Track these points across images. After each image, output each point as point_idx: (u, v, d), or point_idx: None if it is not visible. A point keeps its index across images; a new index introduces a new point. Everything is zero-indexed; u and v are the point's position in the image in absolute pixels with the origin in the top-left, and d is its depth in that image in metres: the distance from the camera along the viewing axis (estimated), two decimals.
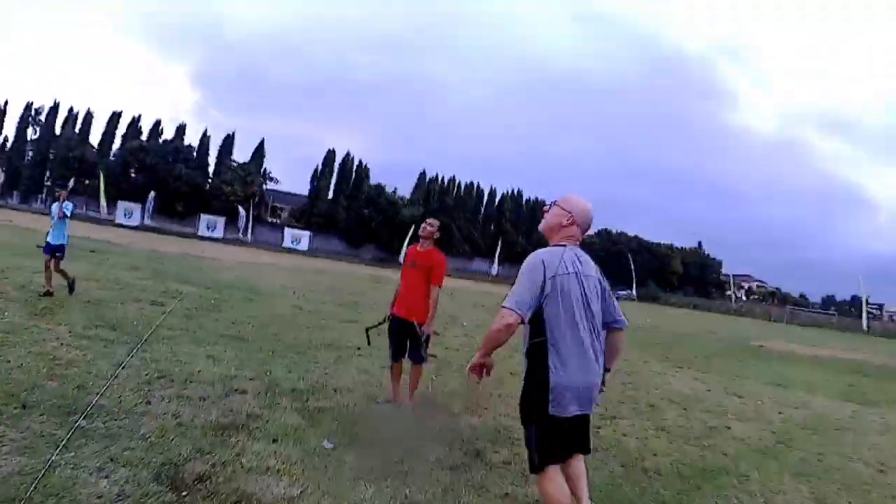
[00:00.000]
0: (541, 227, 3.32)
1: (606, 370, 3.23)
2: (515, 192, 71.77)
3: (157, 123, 64.87)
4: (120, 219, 51.91)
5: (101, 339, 7.13)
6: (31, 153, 63.23)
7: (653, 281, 61.41)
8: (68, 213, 10.13)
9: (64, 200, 10.14)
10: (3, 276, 10.85)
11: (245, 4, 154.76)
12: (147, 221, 53.50)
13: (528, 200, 70.96)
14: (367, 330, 6.26)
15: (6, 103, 64.13)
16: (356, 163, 67.15)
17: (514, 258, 58.75)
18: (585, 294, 3.05)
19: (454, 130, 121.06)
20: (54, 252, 9.78)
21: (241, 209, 56.93)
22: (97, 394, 5.00)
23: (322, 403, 5.77)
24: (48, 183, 60.33)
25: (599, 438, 5.77)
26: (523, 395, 3.14)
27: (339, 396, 6.14)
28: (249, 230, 57.47)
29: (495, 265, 60.59)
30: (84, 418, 4.42)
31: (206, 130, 65.77)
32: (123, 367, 5.95)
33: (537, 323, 2.99)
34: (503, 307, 2.93)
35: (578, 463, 3.22)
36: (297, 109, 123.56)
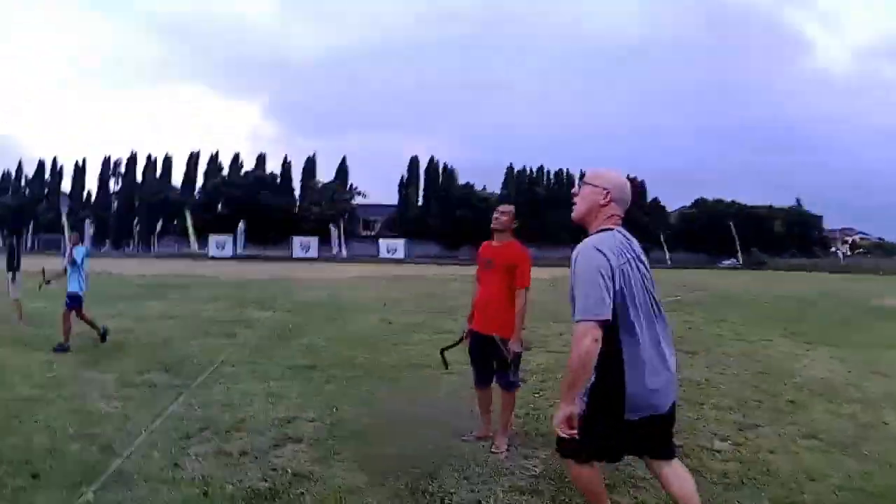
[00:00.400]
0: (574, 214, 2.97)
1: None
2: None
3: (237, 157, 69.36)
4: (213, 252, 54.55)
5: (150, 386, 6.68)
6: (116, 203, 68.20)
7: (755, 247, 58.39)
8: (79, 260, 9.20)
9: (76, 244, 9.45)
10: None
11: (305, 34, 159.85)
12: (240, 251, 56.09)
13: None
14: (442, 352, 5.25)
15: (84, 161, 70.80)
16: (441, 166, 68.51)
17: None
18: (646, 280, 2.81)
19: (534, 120, 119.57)
20: (71, 304, 9.07)
21: (332, 227, 58.72)
22: (119, 457, 4.35)
23: (393, 448, 4.88)
24: (137, 227, 64.86)
25: (741, 463, 4.64)
26: (591, 400, 2.73)
27: (418, 434, 5.18)
28: (343, 246, 59.03)
29: None
30: (96, 490, 3.85)
31: (286, 157, 69.37)
32: (160, 420, 5.38)
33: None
34: (578, 322, 2.58)
35: (678, 475, 2.88)
36: (373, 124, 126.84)
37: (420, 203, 67.69)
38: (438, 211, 64.39)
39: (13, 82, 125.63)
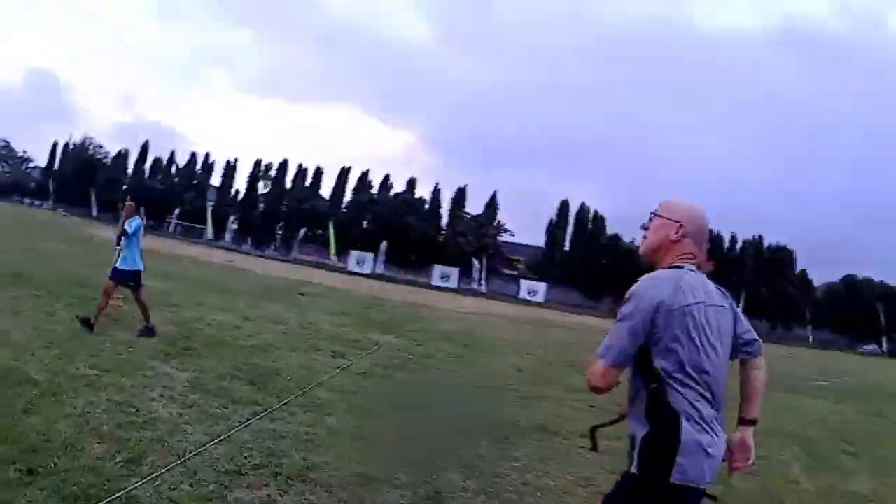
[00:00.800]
0: (643, 249, 2.68)
1: (748, 422, 2.60)
2: (755, 238, 67.04)
3: (387, 177, 71.15)
4: (352, 266, 56.28)
5: (225, 397, 5.86)
6: (262, 206, 71.95)
7: None
8: (130, 231, 8.17)
9: (130, 216, 8.35)
10: (171, 309, 10.24)
11: (466, 65, 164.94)
12: (379, 270, 57.48)
13: (769, 247, 65.90)
14: (592, 431, 3.87)
15: (236, 160, 75.56)
16: (591, 213, 67.63)
17: (758, 313, 54.57)
18: (714, 331, 2.39)
19: (686, 176, 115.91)
20: (126, 281, 8.23)
21: (474, 260, 59.70)
22: (141, 477, 3.40)
23: None
24: (279, 232, 68.72)
25: None
26: (646, 459, 2.33)
27: None
28: (483, 280, 59.57)
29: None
30: None
31: (437, 184, 70.45)
32: (215, 443, 4.46)
33: (649, 373, 2.36)
34: (599, 359, 2.36)
35: None
36: (526, 163, 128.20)
37: (566, 248, 67.18)
38: (584, 258, 63.50)
39: (181, 78, 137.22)
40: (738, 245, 66.53)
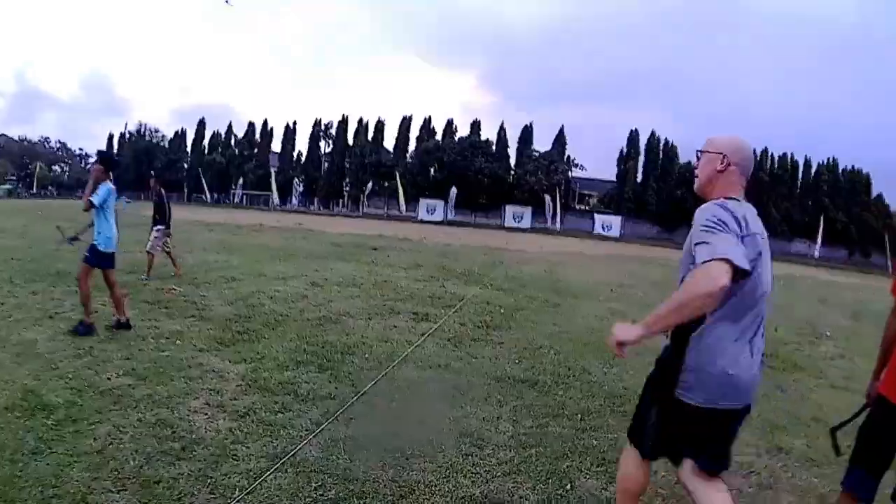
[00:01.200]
0: (696, 187, 2.78)
1: None
2: (831, 161, 63.86)
3: (450, 122, 69.70)
4: (423, 215, 56.25)
5: (287, 393, 4.68)
6: (326, 164, 72.00)
7: None
8: (97, 202, 6.23)
9: (100, 182, 6.36)
10: (230, 285, 9.32)
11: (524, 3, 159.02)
12: (450, 216, 57.05)
13: (844, 170, 63.00)
14: (833, 432, 2.71)
15: (294, 123, 74.82)
16: (662, 142, 65.09)
17: (835, 237, 54.65)
18: (766, 262, 2.53)
19: (760, 97, 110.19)
20: (95, 262, 6.32)
21: (546, 198, 58.00)
22: None
23: None
24: (347, 189, 68.73)
25: None
26: (659, 373, 2.65)
27: None
28: (558, 218, 57.93)
29: (818, 246, 53.73)
30: None
31: (502, 123, 68.53)
32: (271, 473, 3.25)
33: None
34: (710, 261, 2.23)
35: (714, 488, 2.58)
36: (591, 97, 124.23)
37: (639, 179, 64.93)
38: (657, 189, 61.78)
39: (231, 52, 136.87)
40: (813, 169, 63.85)
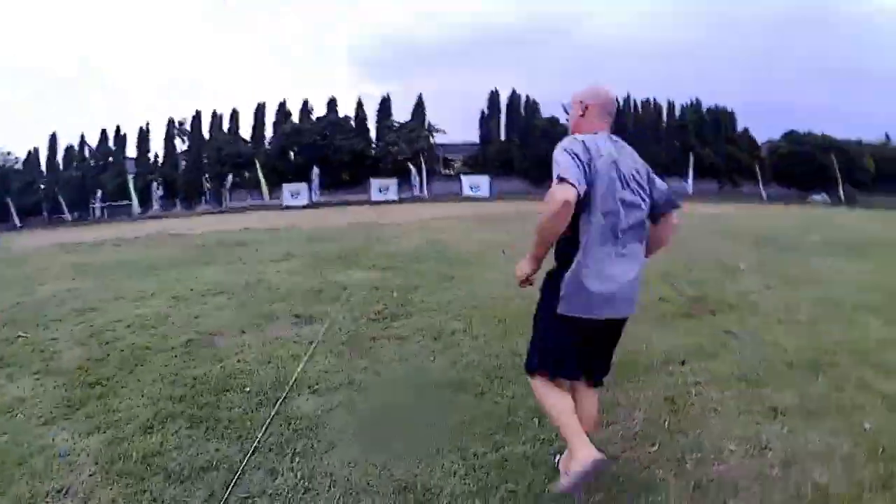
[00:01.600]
0: (569, 133, 3.02)
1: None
2: (694, 101, 66.29)
3: (305, 103, 66.25)
4: (287, 201, 53.16)
5: (161, 472, 3.48)
6: (184, 163, 67.15)
7: (846, 183, 54.23)
8: None
9: None
10: (82, 319, 7.80)
11: None
12: (315, 198, 54.47)
13: (709, 109, 65.67)
14: None
15: (147, 125, 68.80)
16: (524, 99, 64.75)
17: (704, 172, 56.79)
18: (624, 181, 2.80)
19: (615, 49, 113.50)
20: None
21: (411, 166, 56.53)
22: None
23: None
24: (207, 184, 63.99)
25: None
26: (541, 290, 2.98)
27: None
28: (424, 185, 56.66)
29: (690, 182, 55.64)
30: None
31: (359, 98, 65.87)
32: None
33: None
34: (554, 183, 2.63)
35: (589, 399, 3.10)
36: (446, 63, 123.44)
37: (502, 138, 64.51)
38: (521, 145, 61.53)
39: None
40: (678, 111, 65.29)
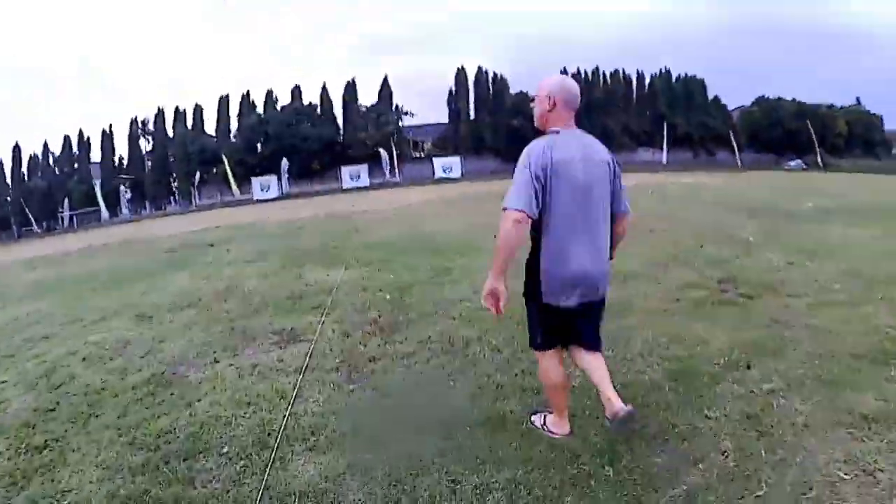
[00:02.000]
0: (535, 124, 3.20)
1: (610, 258, 3.21)
2: (663, 71, 65.00)
3: (270, 93, 64.01)
4: (258, 195, 51.59)
5: None
6: (150, 163, 64.60)
7: (819, 147, 54.00)
8: None
9: None
10: (36, 349, 6.65)
11: None
12: (286, 190, 52.96)
13: (678, 77, 64.33)
14: None
15: (111, 127, 66.25)
16: (491, 76, 62.90)
17: (677, 142, 56.00)
18: (585, 179, 2.97)
19: (584, 20, 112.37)
20: None
21: (381, 151, 54.93)
22: None
23: None
24: (175, 183, 61.76)
25: None
26: (525, 282, 3.18)
27: None
28: (396, 170, 55.24)
29: (664, 153, 54.88)
30: None
31: (324, 84, 63.81)
32: None
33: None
34: (504, 208, 2.87)
35: (592, 358, 3.23)
36: (410, 48, 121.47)
37: (472, 117, 62.81)
38: (492, 123, 59.97)
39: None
40: (647, 81, 64.09)
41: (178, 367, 5.16)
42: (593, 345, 3.24)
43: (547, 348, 3.19)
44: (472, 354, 4.69)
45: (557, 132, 3.01)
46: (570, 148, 2.96)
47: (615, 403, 3.01)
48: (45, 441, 4.01)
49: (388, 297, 6.79)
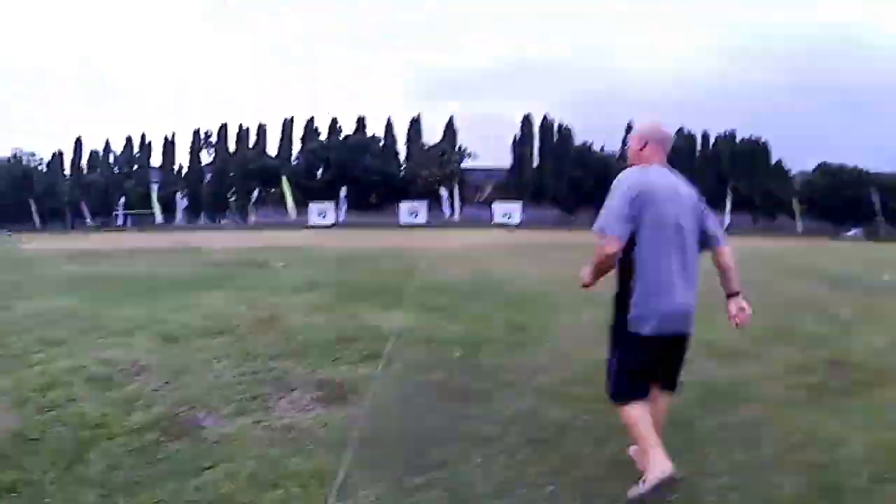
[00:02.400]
0: (628, 164, 3.30)
1: (731, 294, 3.24)
2: (728, 132, 63.73)
3: (335, 121, 65.37)
4: (313, 220, 52.33)
5: None
6: (209, 175, 66.19)
7: (884, 217, 52.60)
8: None
9: None
10: (40, 354, 5.83)
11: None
12: (342, 218, 53.38)
13: (742, 139, 62.94)
14: None
15: (173, 134, 68.03)
16: (556, 124, 63.28)
17: (739, 205, 54.10)
18: (675, 211, 3.05)
19: (647, 78, 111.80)
20: None
21: (442, 190, 55.37)
22: None
23: None
24: (232, 198, 62.79)
25: None
26: (611, 317, 3.19)
27: None
28: (456, 210, 55.41)
29: (727, 215, 52.04)
30: None
31: (389, 118, 64.88)
32: None
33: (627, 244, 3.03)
34: (600, 230, 3.01)
35: (661, 402, 3.23)
36: (477, 91, 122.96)
37: (535, 165, 62.90)
38: (554, 171, 59.76)
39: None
40: (711, 141, 62.99)
41: (194, 411, 4.21)
42: (671, 384, 3.25)
43: (631, 398, 3.07)
44: (571, 449, 3.63)
45: (648, 166, 3.14)
46: (659, 181, 3.07)
47: (663, 463, 2.95)
48: (14, 482, 3.17)
49: (458, 354, 5.76)
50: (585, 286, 3.19)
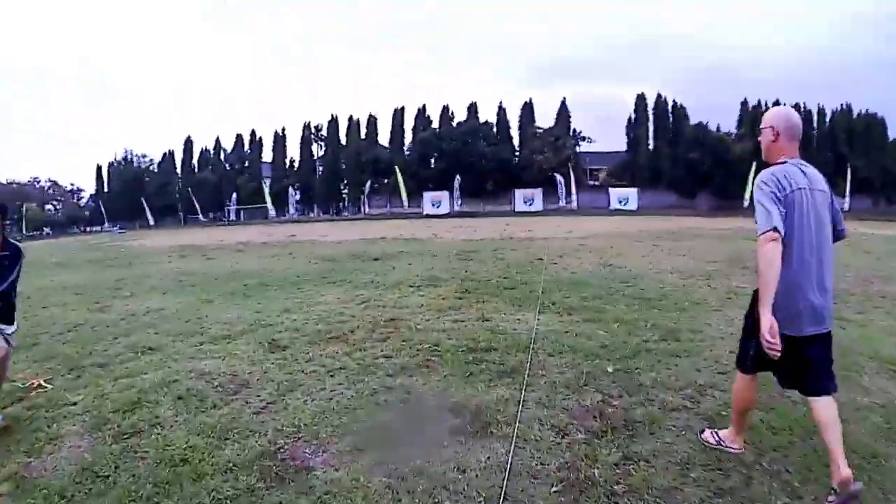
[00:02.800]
0: (763, 157, 3.33)
1: None
2: (844, 107, 57.92)
3: (446, 108, 64.78)
4: (428, 209, 52.18)
5: None
6: (321, 168, 67.71)
7: None
8: None
9: None
10: (130, 361, 5.42)
11: None
12: (457, 207, 52.88)
13: (859, 114, 56.98)
14: None
15: (284, 129, 69.91)
16: (671, 104, 60.04)
17: (857, 187, 48.88)
18: (815, 208, 3.08)
19: (767, 55, 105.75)
20: None
21: (557, 176, 53.70)
22: None
23: None
24: (345, 190, 64.42)
25: None
26: (750, 308, 3.16)
27: None
28: (573, 196, 53.48)
29: (846, 199, 47.03)
30: None
31: (500, 103, 63.46)
32: None
33: None
34: (759, 235, 2.95)
35: (826, 409, 3.03)
36: (586, 71, 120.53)
37: (650, 146, 60.08)
38: (670, 154, 57.04)
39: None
40: (827, 117, 58.01)
41: (300, 445, 3.49)
42: (826, 386, 3.08)
43: (752, 372, 3.22)
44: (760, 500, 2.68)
45: (784, 163, 3.13)
46: (798, 178, 3.07)
47: (843, 471, 2.83)
48: None
49: (610, 368, 4.80)
50: (772, 333, 2.83)
